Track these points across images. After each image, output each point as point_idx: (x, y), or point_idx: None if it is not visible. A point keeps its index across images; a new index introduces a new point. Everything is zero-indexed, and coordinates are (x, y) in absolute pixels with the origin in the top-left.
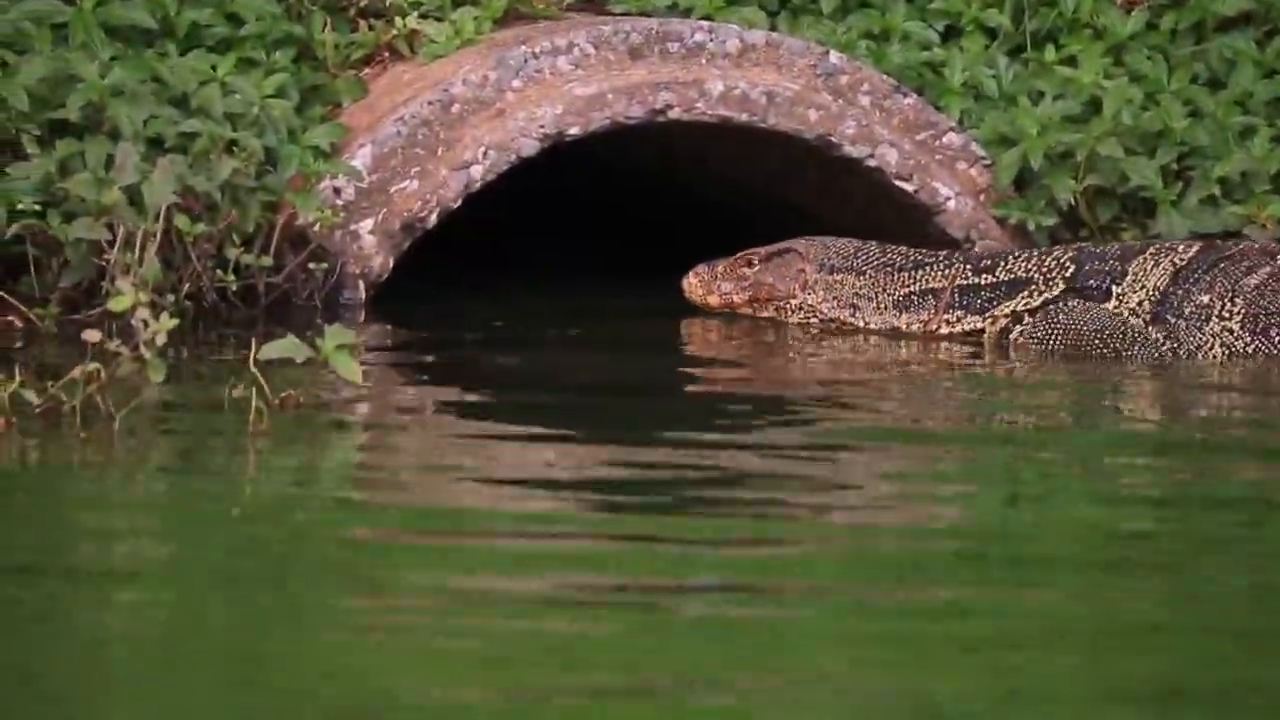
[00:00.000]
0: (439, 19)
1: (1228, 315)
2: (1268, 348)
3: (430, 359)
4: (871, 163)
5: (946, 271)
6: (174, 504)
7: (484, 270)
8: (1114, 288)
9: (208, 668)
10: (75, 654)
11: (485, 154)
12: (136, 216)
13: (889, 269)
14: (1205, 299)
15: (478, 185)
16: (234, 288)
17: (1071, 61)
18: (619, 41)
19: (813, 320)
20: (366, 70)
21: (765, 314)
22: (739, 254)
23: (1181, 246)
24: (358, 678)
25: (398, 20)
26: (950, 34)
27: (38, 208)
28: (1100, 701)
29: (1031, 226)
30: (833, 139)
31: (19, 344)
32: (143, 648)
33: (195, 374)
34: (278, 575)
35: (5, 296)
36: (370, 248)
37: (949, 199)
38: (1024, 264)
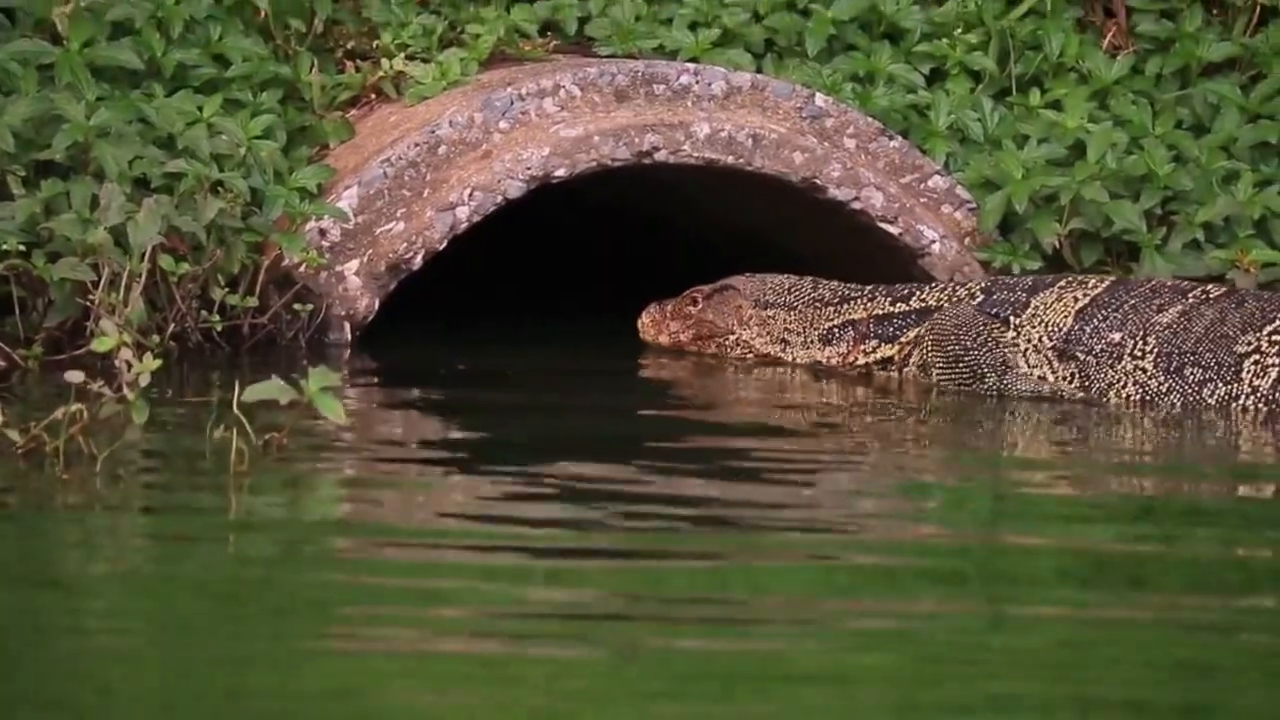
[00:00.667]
0: (425, 61)
1: (1140, 354)
2: (1182, 387)
3: (415, 400)
4: (856, 205)
5: (868, 304)
6: (155, 544)
7: (469, 311)
8: (1013, 318)
9: (190, 706)
10: (51, 691)
11: (471, 195)
12: (121, 257)
13: (818, 304)
14: (1116, 336)
15: (464, 227)
16: (219, 328)
17: (1056, 105)
18: (605, 84)
19: (749, 356)
20: (353, 112)
21: (709, 350)
22: (685, 292)
23: (1092, 282)
24: (338, 713)
25: (384, 62)
26: (935, 77)
27: (22, 248)
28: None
29: (1016, 270)
30: (818, 181)
31: (3, 384)
32: (124, 687)
33: (179, 415)
34: (261, 614)
35: None
36: (356, 289)
37: (934, 242)
38: (937, 293)
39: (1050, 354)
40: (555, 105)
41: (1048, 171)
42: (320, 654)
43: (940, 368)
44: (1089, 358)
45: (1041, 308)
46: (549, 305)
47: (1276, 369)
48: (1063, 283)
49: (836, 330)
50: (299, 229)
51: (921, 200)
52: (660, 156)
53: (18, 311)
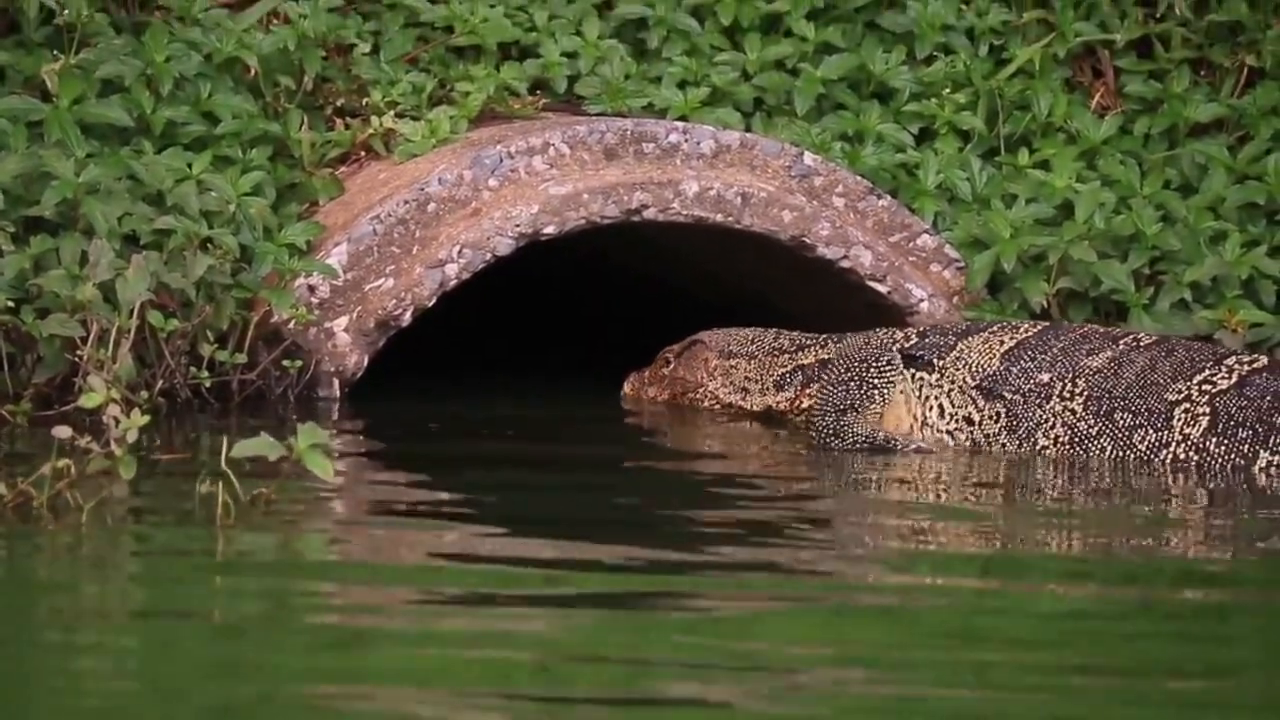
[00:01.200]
0: (415, 118)
1: (1068, 395)
2: (1111, 431)
3: (404, 454)
4: (845, 264)
5: (819, 351)
6: (141, 599)
7: (459, 365)
8: (937, 360)
9: None
10: None
11: (460, 253)
12: (110, 313)
13: (775, 352)
14: (1045, 378)
15: (453, 284)
16: (208, 384)
17: (1045, 165)
18: (594, 142)
19: (716, 406)
20: (343, 169)
21: (685, 404)
22: (659, 355)
23: (1024, 327)
24: None
25: (374, 119)
26: (925, 136)
27: (11, 304)
28: None
29: None
30: (807, 240)
31: None
32: None
33: (167, 470)
34: (247, 667)
35: None
36: (345, 345)
37: (922, 300)
38: (880, 337)
39: (974, 393)
40: (544, 163)
41: (1036, 231)
42: (307, 703)
43: (815, 398)
44: (1016, 396)
45: (967, 350)
46: (537, 360)
47: (1207, 418)
48: (994, 328)
49: (788, 376)
50: (288, 285)
51: (910, 259)
52: (649, 214)
53: (6, 367)
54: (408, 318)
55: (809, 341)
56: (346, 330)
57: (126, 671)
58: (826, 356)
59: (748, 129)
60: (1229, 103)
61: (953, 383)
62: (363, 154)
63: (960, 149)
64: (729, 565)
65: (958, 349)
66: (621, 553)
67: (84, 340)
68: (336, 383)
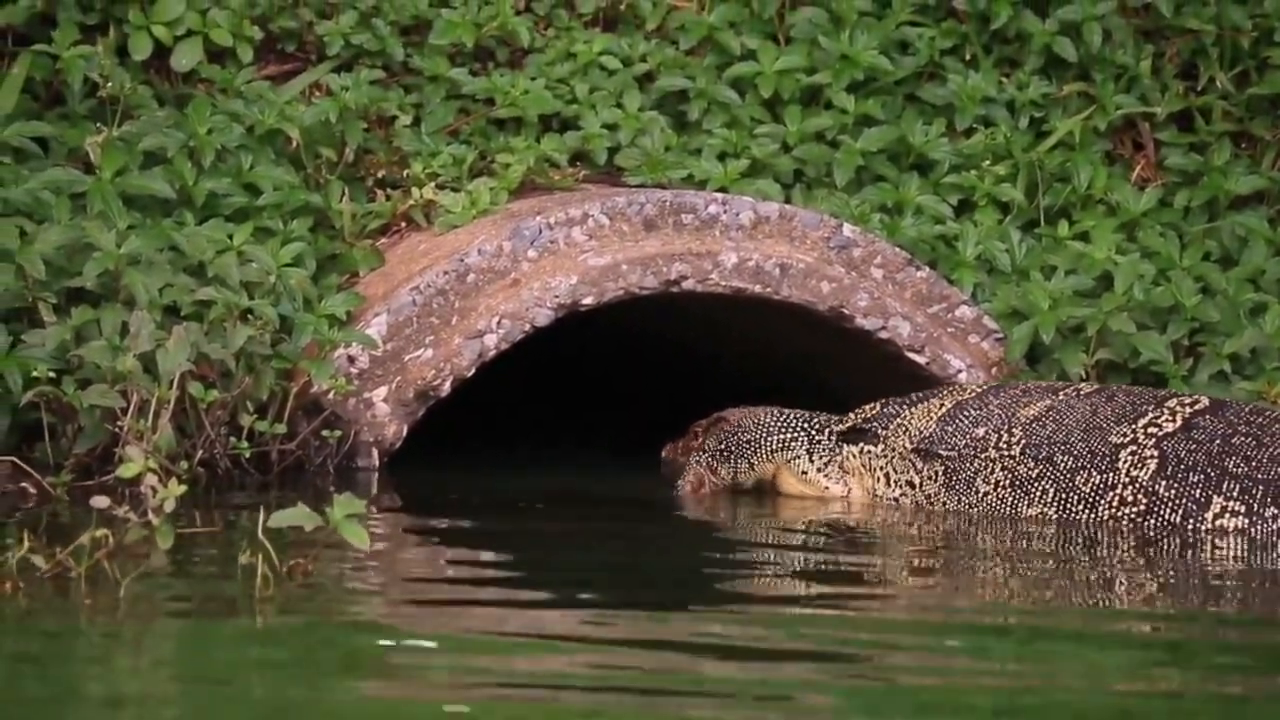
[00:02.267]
0: (455, 189)
1: (1005, 446)
2: (1053, 473)
3: (442, 526)
4: (884, 334)
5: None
6: (177, 671)
7: (498, 436)
8: (881, 431)
9: None
10: None
11: (499, 323)
12: (151, 384)
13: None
14: (980, 431)
15: (492, 354)
16: (247, 454)
17: (1084, 237)
18: (633, 213)
19: (728, 482)
20: (383, 240)
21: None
22: (689, 428)
23: (969, 390)
24: None
25: (415, 190)
26: (964, 208)
27: (53, 375)
28: None
29: None
30: (845, 310)
31: (32, 510)
32: None
33: (205, 541)
34: None
35: (19, 463)
36: (384, 415)
37: (960, 371)
38: (858, 412)
39: (913, 457)
40: (584, 234)
41: (1075, 302)
42: None
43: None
44: (951, 454)
45: (908, 418)
46: (577, 430)
47: (1155, 461)
48: (942, 393)
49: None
50: (328, 356)
51: (949, 330)
52: (688, 285)
53: (48, 438)
54: (447, 388)
55: (827, 422)
56: (386, 400)
57: None
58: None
59: (787, 200)
60: (1269, 175)
61: (893, 451)
62: (403, 225)
63: (999, 221)
64: (764, 644)
65: (900, 418)
66: (659, 631)
67: (124, 411)
68: (375, 453)
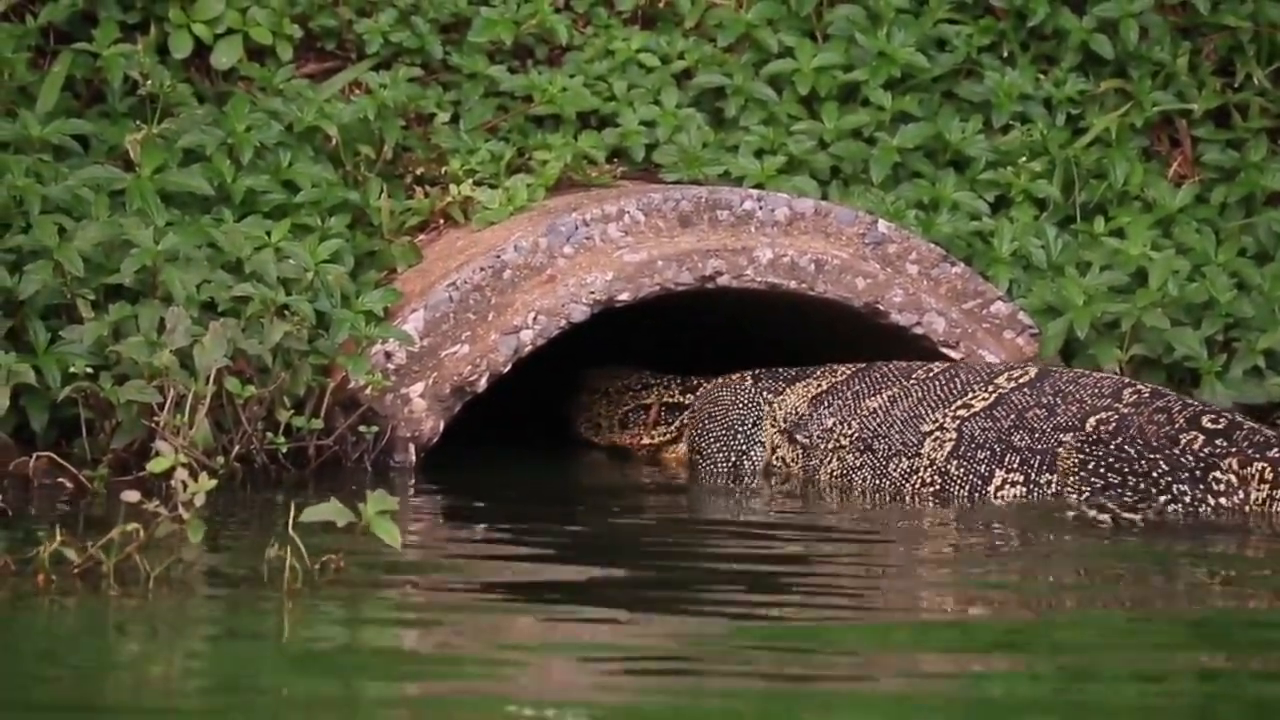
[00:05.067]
0: (493, 186)
1: (844, 439)
2: (873, 463)
3: (478, 522)
4: (918, 330)
5: (661, 392)
6: (203, 666)
7: (535, 433)
8: (767, 406)
9: None
10: None
11: (535, 319)
12: (187, 379)
13: (624, 390)
14: (830, 422)
15: (528, 350)
16: (284, 450)
17: (1120, 233)
18: (669, 209)
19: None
20: (421, 236)
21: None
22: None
23: (840, 370)
24: None
25: (453, 187)
26: (1000, 204)
27: (90, 370)
28: None
29: None
30: (880, 306)
31: (68, 505)
32: None
33: (237, 536)
34: None
35: (57, 458)
36: (421, 411)
37: None
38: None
39: (782, 437)
40: (619, 230)
41: (1110, 298)
42: None
43: (695, 439)
44: (808, 441)
45: (790, 395)
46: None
47: (952, 443)
48: (819, 372)
49: (631, 414)
50: (365, 352)
51: (984, 326)
52: (723, 281)
53: (85, 433)
54: (483, 384)
55: (654, 381)
56: (422, 396)
57: None
58: (671, 400)
59: (824, 197)
60: None
61: (774, 425)
62: (441, 221)
63: (1035, 217)
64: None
65: (784, 393)
66: (696, 629)
67: (161, 406)
68: (412, 448)
